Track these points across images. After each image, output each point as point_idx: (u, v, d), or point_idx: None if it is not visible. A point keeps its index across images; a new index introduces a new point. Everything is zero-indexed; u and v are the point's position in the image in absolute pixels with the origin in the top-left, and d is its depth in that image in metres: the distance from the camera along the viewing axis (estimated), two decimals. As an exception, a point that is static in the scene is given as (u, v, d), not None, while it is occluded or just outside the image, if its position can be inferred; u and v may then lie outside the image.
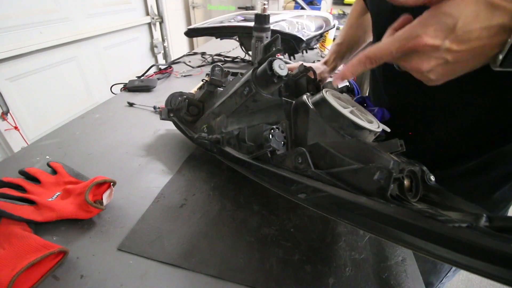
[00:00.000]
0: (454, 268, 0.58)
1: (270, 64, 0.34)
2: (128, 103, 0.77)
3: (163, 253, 0.36)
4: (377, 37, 0.51)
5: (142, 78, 0.92)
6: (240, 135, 0.41)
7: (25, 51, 1.22)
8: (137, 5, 1.95)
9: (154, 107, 0.73)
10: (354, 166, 0.28)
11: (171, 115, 0.57)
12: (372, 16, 0.52)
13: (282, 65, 0.34)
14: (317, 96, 0.36)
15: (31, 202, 0.40)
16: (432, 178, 0.29)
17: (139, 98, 0.80)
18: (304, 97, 0.36)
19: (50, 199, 0.41)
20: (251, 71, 0.38)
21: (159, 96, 0.82)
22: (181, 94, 0.60)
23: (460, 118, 0.40)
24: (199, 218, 0.41)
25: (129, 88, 0.86)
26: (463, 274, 1.27)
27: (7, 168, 0.51)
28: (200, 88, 0.55)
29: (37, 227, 0.38)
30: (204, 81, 0.51)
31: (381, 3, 0.45)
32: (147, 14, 2.06)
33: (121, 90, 0.88)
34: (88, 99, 1.63)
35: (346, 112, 0.32)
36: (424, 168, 0.29)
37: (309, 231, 0.39)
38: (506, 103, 0.37)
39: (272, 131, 0.36)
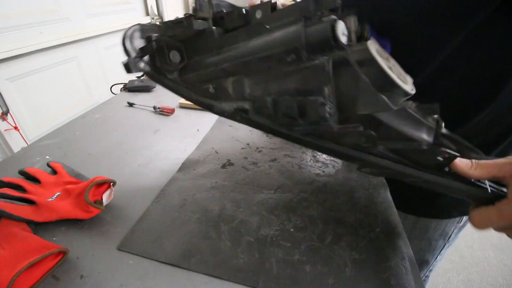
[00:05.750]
0: (446, 245, 0.60)
1: (333, 30, 0.25)
2: (128, 103, 0.77)
3: (163, 253, 0.36)
4: None
5: (142, 78, 0.92)
6: (285, 109, 0.33)
7: (25, 51, 1.22)
8: (137, 5, 1.95)
9: (154, 107, 0.73)
10: (422, 147, 0.29)
11: (144, 66, 0.36)
12: None
13: (345, 30, 0.26)
14: (363, 55, 0.29)
15: (31, 202, 0.40)
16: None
17: (139, 98, 0.80)
18: (350, 58, 0.28)
19: (50, 199, 0.41)
20: (297, 30, 0.27)
21: (159, 96, 0.82)
22: (142, 28, 0.37)
23: (454, 76, 0.41)
24: (199, 218, 0.41)
25: (129, 88, 0.87)
26: (463, 274, 1.28)
27: (7, 168, 0.51)
28: (174, 23, 0.35)
29: (37, 227, 0.38)
30: (187, 15, 0.35)
31: None
32: (147, 14, 2.06)
33: (121, 90, 0.88)
34: (88, 99, 1.63)
35: (399, 81, 0.29)
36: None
37: (309, 231, 0.39)
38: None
39: (329, 108, 0.30)
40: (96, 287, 0.32)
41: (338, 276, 0.33)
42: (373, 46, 0.30)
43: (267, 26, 0.30)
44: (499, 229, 0.28)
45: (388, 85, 0.29)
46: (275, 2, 0.31)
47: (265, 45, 0.29)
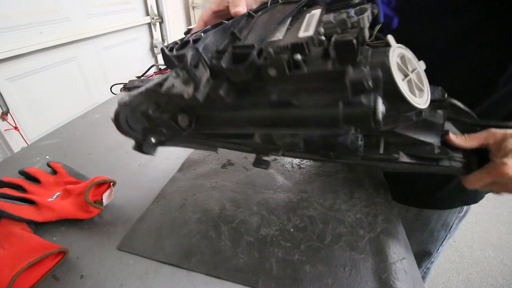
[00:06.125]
0: (448, 235, 0.62)
1: (374, 114, 0.23)
2: (128, 103, 0.77)
3: (163, 253, 0.36)
4: None
5: (142, 78, 0.92)
6: (317, 148, 0.33)
7: (25, 51, 1.22)
8: (137, 5, 1.94)
9: (154, 107, 0.73)
10: (435, 151, 0.33)
11: (155, 139, 0.36)
12: None
13: (384, 107, 0.23)
14: (384, 76, 0.26)
15: (31, 202, 0.40)
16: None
17: (139, 98, 0.80)
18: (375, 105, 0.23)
19: (50, 199, 0.41)
20: (336, 115, 0.24)
21: (159, 96, 0.82)
22: (129, 103, 0.31)
23: (458, 68, 0.44)
24: (199, 218, 0.41)
25: (129, 88, 0.86)
26: (463, 274, 1.27)
27: (7, 168, 0.51)
28: (171, 96, 0.28)
29: (37, 227, 0.38)
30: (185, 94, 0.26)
31: None
32: (147, 14, 2.06)
33: (121, 90, 0.88)
34: (88, 99, 1.63)
35: (417, 103, 0.27)
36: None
37: (309, 231, 0.39)
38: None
39: (360, 146, 0.30)
40: (96, 287, 0.32)
41: (338, 276, 0.33)
42: (393, 59, 0.27)
43: (296, 103, 0.26)
44: (486, 185, 0.35)
45: (408, 109, 0.29)
46: (288, 56, 0.24)
47: (297, 121, 0.27)
